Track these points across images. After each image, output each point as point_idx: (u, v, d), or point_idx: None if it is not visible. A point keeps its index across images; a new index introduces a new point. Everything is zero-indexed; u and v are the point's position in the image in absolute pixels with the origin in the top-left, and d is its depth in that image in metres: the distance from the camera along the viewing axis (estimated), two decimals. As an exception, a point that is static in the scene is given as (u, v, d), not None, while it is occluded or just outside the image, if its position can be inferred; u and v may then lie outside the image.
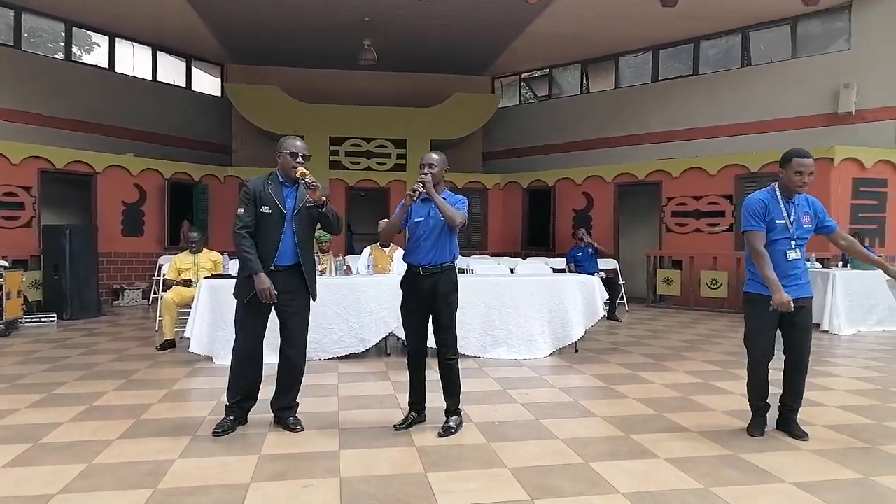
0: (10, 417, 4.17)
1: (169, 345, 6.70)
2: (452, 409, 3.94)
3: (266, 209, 3.75)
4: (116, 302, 11.08)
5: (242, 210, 3.78)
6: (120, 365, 5.94)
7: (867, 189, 9.91)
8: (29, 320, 8.56)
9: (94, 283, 9.77)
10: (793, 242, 3.71)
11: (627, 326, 8.87)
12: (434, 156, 3.90)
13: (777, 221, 3.70)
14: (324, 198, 3.79)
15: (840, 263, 9.15)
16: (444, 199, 3.83)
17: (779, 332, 3.79)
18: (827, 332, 8.13)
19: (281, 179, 3.87)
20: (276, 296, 3.76)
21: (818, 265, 9.10)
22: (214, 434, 3.77)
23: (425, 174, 3.79)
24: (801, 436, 3.73)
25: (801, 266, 3.75)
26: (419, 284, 3.88)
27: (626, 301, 10.80)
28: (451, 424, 3.87)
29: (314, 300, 4.00)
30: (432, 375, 4.01)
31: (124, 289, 11.19)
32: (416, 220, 3.90)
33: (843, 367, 6.04)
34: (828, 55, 11.20)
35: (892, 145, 10.28)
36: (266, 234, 3.79)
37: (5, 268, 8.06)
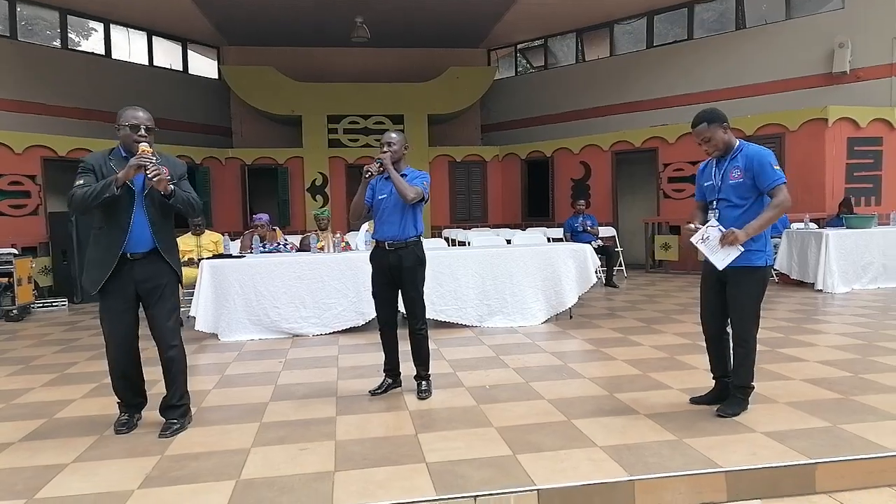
0: (25, 396, 4.40)
1: (176, 324, 6.90)
2: (423, 375, 4.21)
3: None
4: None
5: (81, 181, 3.31)
6: (129, 345, 6.16)
7: (862, 148, 9.93)
8: (41, 305, 8.81)
9: (103, 267, 9.97)
10: (714, 203, 3.54)
11: (624, 292, 9.03)
12: (394, 135, 4.13)
13: (705, 184, 3.66)
14: (170, 187, 3.36)
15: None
16: (405, 175, 4.08)
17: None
18: (821, 291, 8.26)
19: (124, 155, 3.47)
20: (138, 283, 3.38)
21: (813, 225, 9.19)
22: (117, 432, 3.51)
23: (384, 152, 4.01)
24: (720, 411, 3.49)
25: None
26: (385, 259, 4.12)
27: (624, 268, 10.94)
28: (424, 387, 4.16)
29: (182, 284, 3.69)
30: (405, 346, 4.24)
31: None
32: (380, 197, 4.15)
33: (831, 325, 6.19)
34: (822, 14, 11.11)
35: (887, 103, 10.27)
36: (113, 216, 3.36)
37: (14, 255, 8.28)
